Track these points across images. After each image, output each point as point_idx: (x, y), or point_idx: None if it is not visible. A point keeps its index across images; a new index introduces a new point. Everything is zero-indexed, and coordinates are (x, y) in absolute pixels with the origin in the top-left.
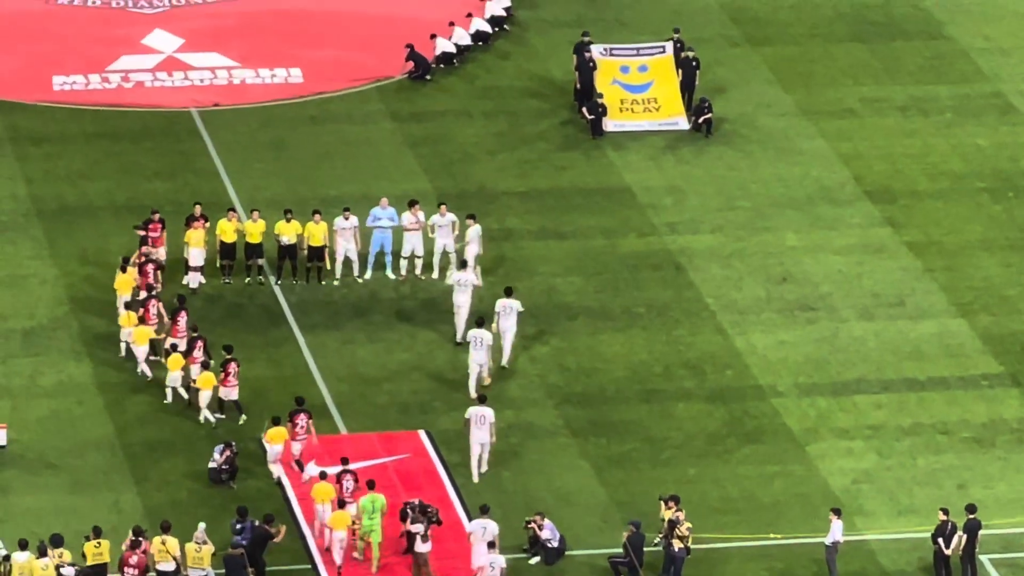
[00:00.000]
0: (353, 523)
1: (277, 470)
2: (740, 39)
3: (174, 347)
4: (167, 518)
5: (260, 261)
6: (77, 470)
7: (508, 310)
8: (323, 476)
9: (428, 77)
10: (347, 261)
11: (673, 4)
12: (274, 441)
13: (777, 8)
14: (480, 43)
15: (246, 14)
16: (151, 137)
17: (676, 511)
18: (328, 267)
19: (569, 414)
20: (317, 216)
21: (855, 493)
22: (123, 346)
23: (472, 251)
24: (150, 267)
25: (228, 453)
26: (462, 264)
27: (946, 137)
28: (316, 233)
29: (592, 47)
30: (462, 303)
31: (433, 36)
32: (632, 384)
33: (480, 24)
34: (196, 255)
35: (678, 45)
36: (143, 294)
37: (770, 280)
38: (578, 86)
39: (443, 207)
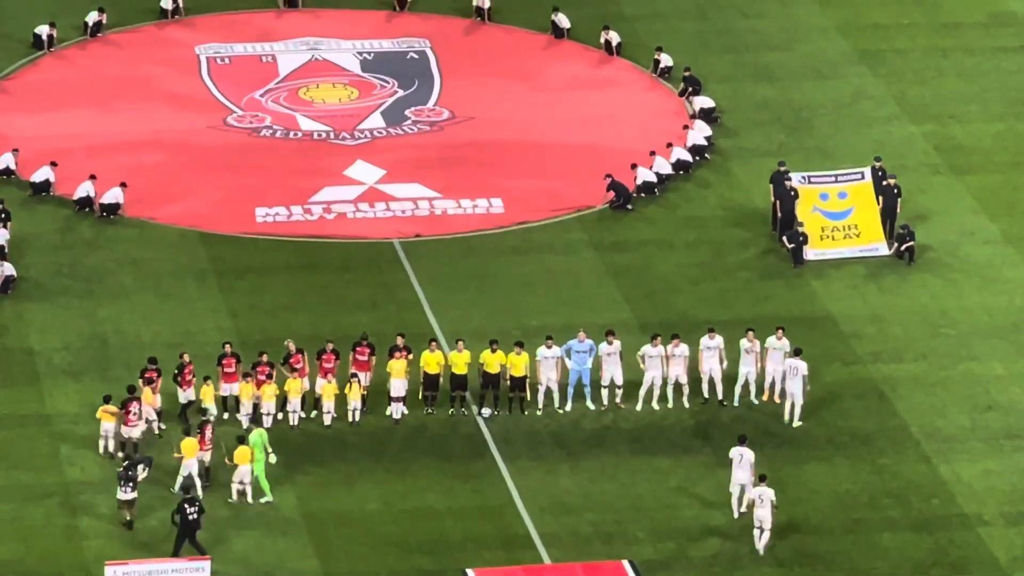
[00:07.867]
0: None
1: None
2: (943, 167)
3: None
4: None
5: (464, 392)
6: None
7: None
8: (187, 433)
9: (629, 207)
10: (548, 391)
11: (876, 133)
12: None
13: (980, 137)
14: (681, 172)
15: (446, 145)
16: (353, 268)
17: None
18: (530, 397)
19: (774, 544)
20: (518, 348)
21: None
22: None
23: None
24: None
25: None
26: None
27: None
28: (518, 363)
29: (792, 175)
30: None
31: (634, 166)
32: (837, 513)
33: (681, 153)
34: (398, 386)
35: (879, 173)
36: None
37: (975, 409)
38: (778, 215)
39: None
